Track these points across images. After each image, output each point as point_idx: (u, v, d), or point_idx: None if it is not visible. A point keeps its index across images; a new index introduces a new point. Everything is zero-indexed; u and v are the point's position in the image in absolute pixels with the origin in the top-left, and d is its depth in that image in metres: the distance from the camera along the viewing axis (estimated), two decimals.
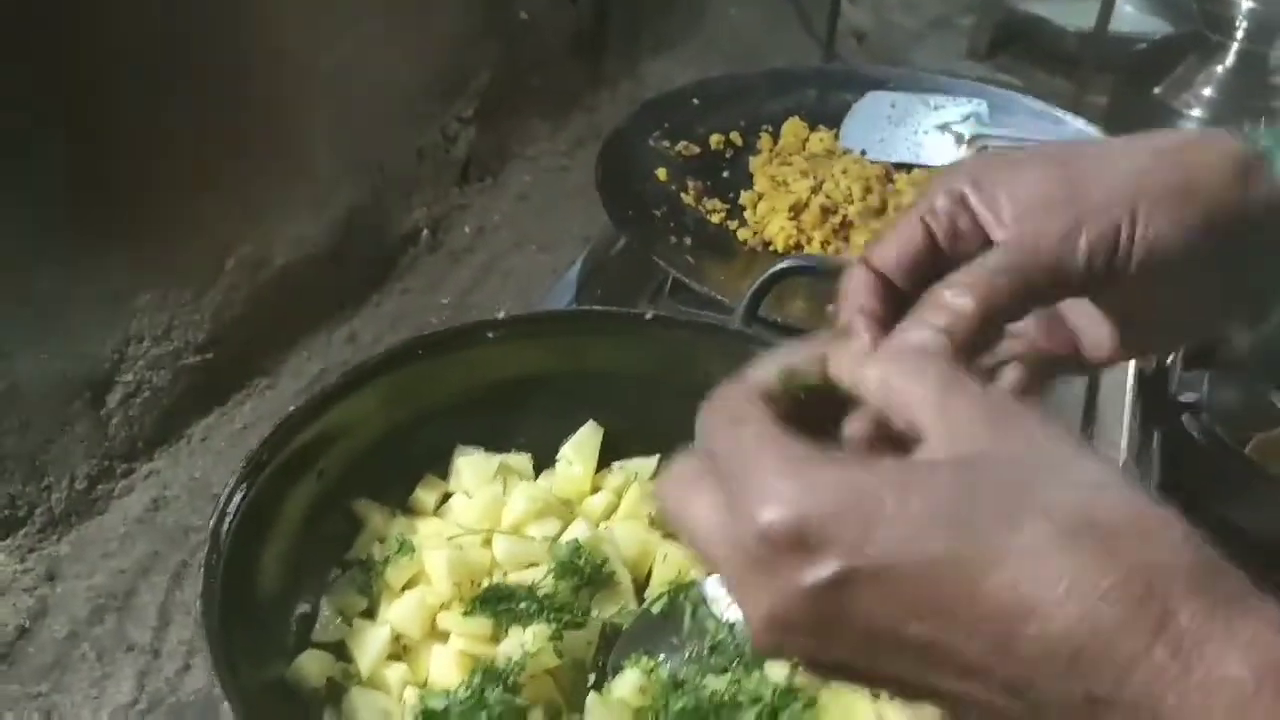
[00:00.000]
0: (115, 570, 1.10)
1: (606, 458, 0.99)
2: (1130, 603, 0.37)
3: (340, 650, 0.85)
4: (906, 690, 0.43)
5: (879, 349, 0.50)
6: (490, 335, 0.96)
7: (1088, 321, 0.60)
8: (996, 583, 0.38)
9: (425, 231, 1.51)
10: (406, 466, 0.95)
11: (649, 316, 0.99)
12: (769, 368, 0.50)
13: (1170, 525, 0.39)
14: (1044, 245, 0.52)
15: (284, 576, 0.84)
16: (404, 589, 0.88)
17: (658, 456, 1.00)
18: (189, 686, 1.00)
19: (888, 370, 0.46)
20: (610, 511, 0.96)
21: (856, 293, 0.54)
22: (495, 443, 0.98)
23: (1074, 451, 0.41)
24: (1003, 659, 0.39)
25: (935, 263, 0.55)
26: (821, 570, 0.40)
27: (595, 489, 0.98)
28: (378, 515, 0.92)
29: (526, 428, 0.99)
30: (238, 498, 0.79)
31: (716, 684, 0.83)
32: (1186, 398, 1.30)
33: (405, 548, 0.88)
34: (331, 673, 0.83)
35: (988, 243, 0.55)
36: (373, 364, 0.91)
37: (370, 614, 0.87)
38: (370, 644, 0.84)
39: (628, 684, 0.83)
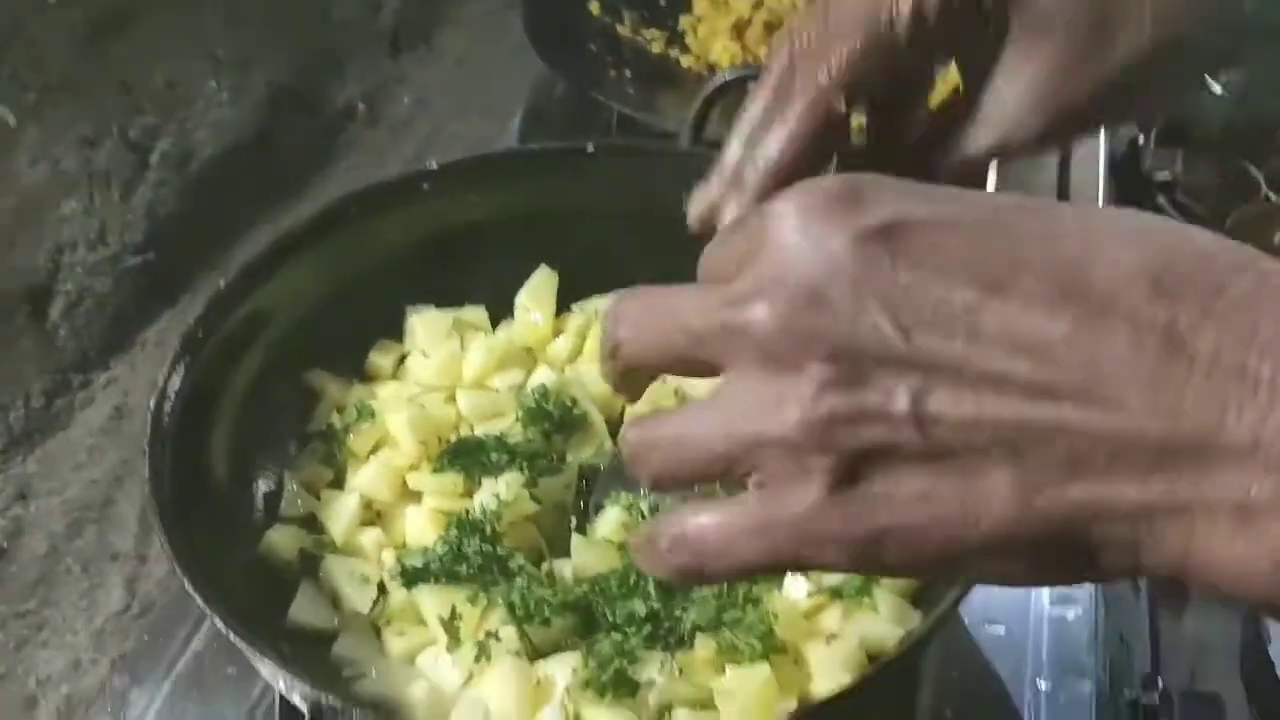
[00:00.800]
0: (88, 482, 1.08)
1: (564, 300, 0.95)
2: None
3: (311, 524, 0.82)
4: (948, 386, 0.35)
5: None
6: (426, 186, 0.91)
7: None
8: (1068, 221, 0.35)
9: (361, 106, 1.45)
10: (357, 332, 0.91)
11: (590, 148, 0.94)
12: None
13: None
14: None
15: (240, 455, 0.81)
16: (369, 455, 0.85)
17: (617, 293, 0.96)
18: (181, 587, 0.98)
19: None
20: (575, 355, 0.93)
21: None
22: (447, 299, 0.94)
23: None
24: (1066, 302, 0.33)
25: None
26: (872, 216, 0.35)
27: (556, 334, 0.94)
28: (333, 385, 0.89)
29: (478, 280, 0.95)
30: (177, 379, 0.76)
31: None
32: (1160, 176, 1.26)
33: (365, 413, 0.85)
34: (304, 545, 0.80)
35: None
36: (304, 227, 0.87)
37: (337, 484, 0.85)
38: (341, 513, 0.81)
39: (610, 522, 0.81)
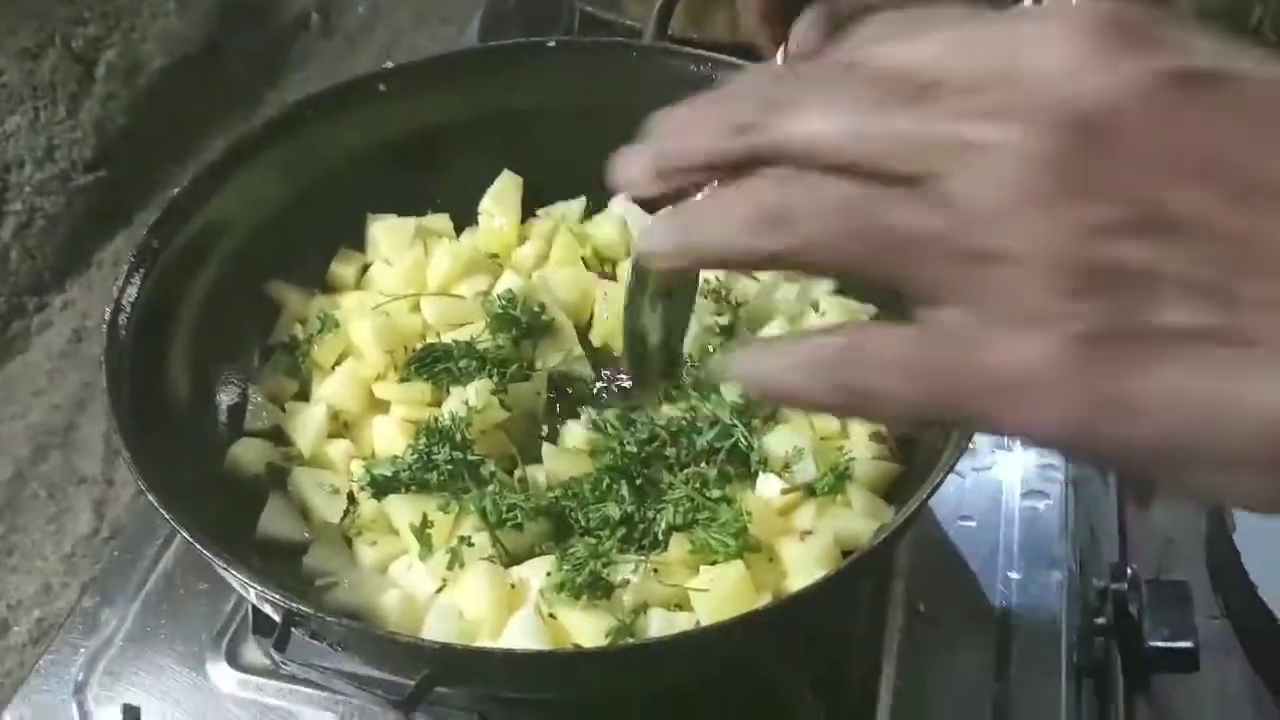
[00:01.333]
0: (50, 406, 1.05)
1: (530, 205, 0.93)
2: None
3: (277, 437, 0.81)
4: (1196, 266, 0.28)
5: None
6: (383, 87, 0.88)
7: None
8: None
9: (314, 15, 1.40)
10: (318, 241, 0.89)
11: (551, 44, 0.91)
12: None
13: None
14: None
15: (201, 368, 0.79)
16: (334, 366, 0.84)
17: (583, 197, 0.94)
18: (149, 506, 0.97)
19: None
20: (541, 260, 0.91)
21: None
22: (409, 206, 0.92)
23: None
24: None
25: None
26: (1172, 56, 0.29)
27: (522, 240, 0.92)
28: (294, 295, 0.87)
29: (441, 186, 0.93)
30: (133, 290, 0.74)
31: (672, 412, 0.81)
32: None
33: (329, 323, 0.84)
34: (271, 458, 0.79)
35: None
36: (258, 132, 0.84)
37: (303, 396, 0.83)
38: (308, 424, 0.80)
39: (581, 430, 0.81)
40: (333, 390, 0.81)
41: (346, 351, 0.84)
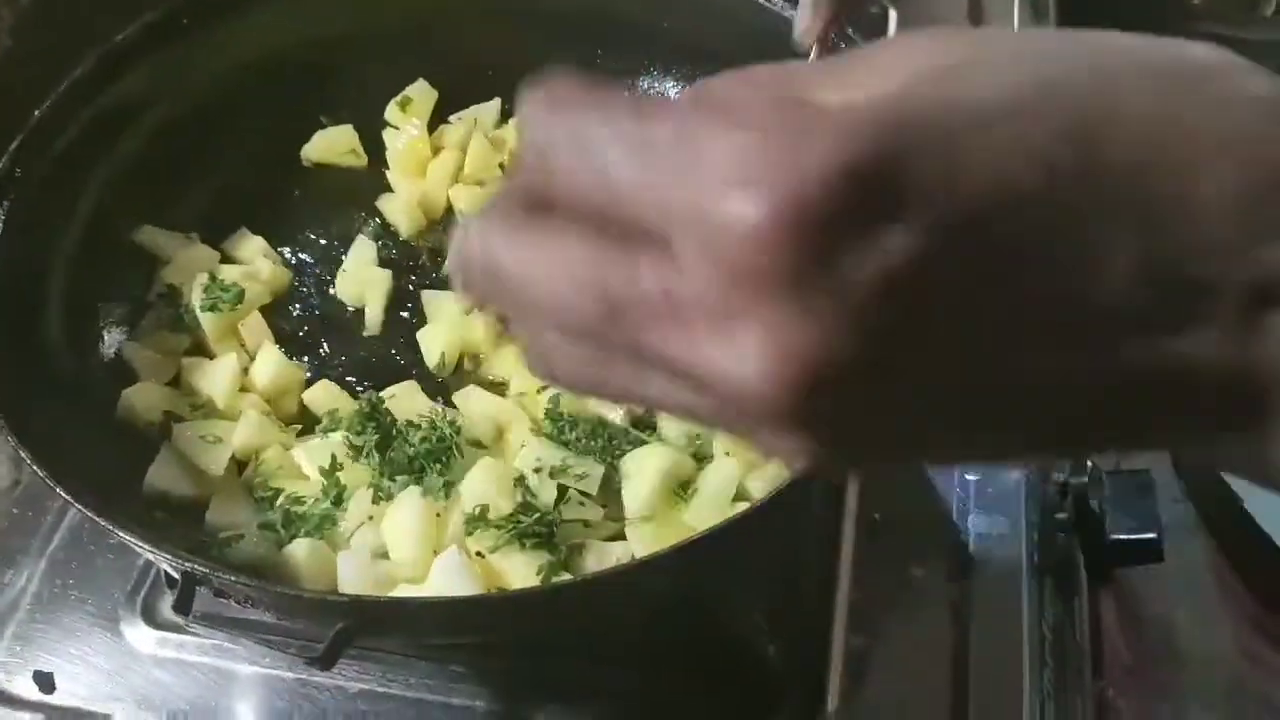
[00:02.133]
0: None
1: (442, 111, 0.87)
2: None
3: (175, 380, 0.75)
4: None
5: None
6: None
7: None
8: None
9: None
10: (210, 169, 0.81)
11: None
12: None
13: None
14: None
15: (84, 309, 0.73)
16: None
17: (498, 99, 0.87)
18: None
19: None
20: (456, 170, 0.85)
21: None
22: (310, 120, 0.85)
23: None
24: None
25: None
26: (903, 239, 0.23)
27: (435, 150, 0.86)
28: (170, 242, 0.79)
29: (343, 96, 0.86)
30: None
31: None
32: None
33: (226, 299, 0.75)
34: (168, 405, 0.73)
35: None
36: (133, 40, 0.76)
37: (197, 349, 0.76)
38: (217, 380, 0.73)
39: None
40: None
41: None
